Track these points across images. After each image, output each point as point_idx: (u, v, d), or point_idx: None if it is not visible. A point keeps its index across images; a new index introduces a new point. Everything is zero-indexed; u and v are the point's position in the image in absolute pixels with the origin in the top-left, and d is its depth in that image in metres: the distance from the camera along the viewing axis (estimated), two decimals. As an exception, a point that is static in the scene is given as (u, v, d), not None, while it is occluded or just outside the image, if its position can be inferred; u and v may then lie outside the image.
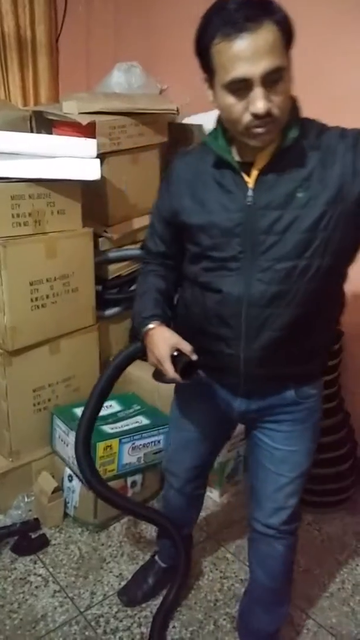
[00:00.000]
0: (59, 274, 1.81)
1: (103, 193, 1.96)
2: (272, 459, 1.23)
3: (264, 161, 1.01)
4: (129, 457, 1.82)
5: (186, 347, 1.13)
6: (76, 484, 1.82)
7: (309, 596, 1.64)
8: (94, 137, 1.79)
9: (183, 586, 1.57)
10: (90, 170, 1.71)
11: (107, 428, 1.82)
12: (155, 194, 2.12)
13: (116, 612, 1.57)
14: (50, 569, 1.70)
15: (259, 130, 0.95)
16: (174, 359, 1.12)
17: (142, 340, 1.20)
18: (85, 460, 1.36)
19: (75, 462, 1.79)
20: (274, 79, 0.90)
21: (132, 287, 2.14)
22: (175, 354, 1.12)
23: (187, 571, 1.60)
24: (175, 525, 1.50)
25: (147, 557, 1.73)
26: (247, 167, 1.03)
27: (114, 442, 1.77)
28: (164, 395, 1.96)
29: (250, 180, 1.03)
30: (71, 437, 1.81)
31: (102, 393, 1.31)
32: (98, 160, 1.72)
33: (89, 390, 1.97)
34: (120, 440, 1.78)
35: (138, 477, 1.88)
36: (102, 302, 2.04)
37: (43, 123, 2.01)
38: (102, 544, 1.80)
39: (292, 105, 0.99)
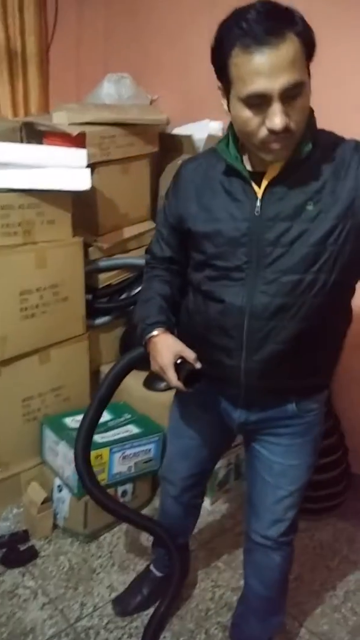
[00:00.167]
0: (49, 284, 1.81)
1: (93, 203, 1.97)
2: (271, 472, 1.22)
3: (275, 172, 1.00)
4: (120, 467, 1.81)
5: (190, 355, 1.11)
6: (66, 494, 1.81)
7: (301, 603, 1.64)
8: (84, 147, 1.81)
9: (176, 597, 1.56)
10: (80, 180, 1.72)
11: (98, 437, 1.82)
12: (145, 203, 2.17)
13: (106, 624, 1.56)
14: (40, 581, 1.68)
15: (275, 145, 0.93)
16: (177, 367, 1.10)
17: (145, 346, 1.19)
18: (84, 465, 1.35)
19: (65, 473, 1.79)
20: (293, 94, 0.89)
21: (123, 296, 2.15)
22: (179, 361, 1.11)
23: (182, 581, 1.59)
24: (170, 534, 1.49)
25: (138, 567, 1.72)
26: (257, 176, 1.01)
27: (104, 452, 1.76)
28: (154, 403, 1.95)
29: (259, 190, 1.01)
30: (61, 447, 1.81)
31: (103, 399, 1.31)
32: (88, 170, 1.73)
33: (79, 400, 1.99)
34: (110, 449, 1.77)
35: (129, 487, 1.88)
36: (92, 311, 2.04)
37: (33, 134, 2.02)
38: (92, 555, 1.79)
39: (308, 117, 0.97)
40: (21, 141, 2.03)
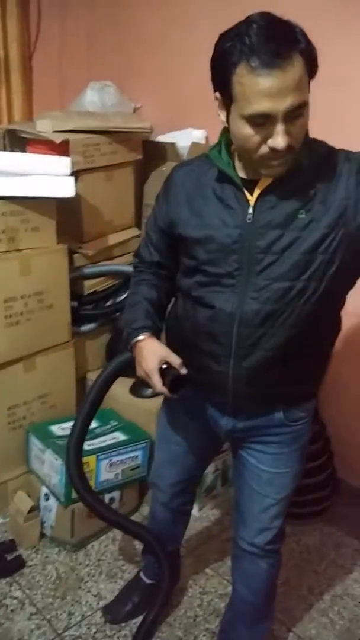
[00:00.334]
0: (34, 291, 1.80)
1: (78, 210, 1.97)
2: (259, 480, 1.22)
3: (268, 181, 1.00)
4: (107, 474, 1.80)
5: (175, 360, 1.11)
6: (53, 502, 1.80)
7: (289, 608, 1.65)
8: (67, 155, 1.81)
9: (165, 605, 1.55)
10: (64, 187, 1.73)
11: (84, 445, 1.80)
12: (130, 210, 2.18)
13: (95, 633, 1.55)
14: (27, 591, 1.67)
15: (274, 162, 0.95)
16: (163, 372, 1.10)
17: (131, 351, 1.19)
18: (77, 470, 1.35)
19: (52, 481, 1.78)
20: (296, 114, 0.90)
21: (109, 303, 2.15)
22: (164, 366, 1.11)
23: (171, 589, 1.59)
24: (160, 542, 1.49)
25: (126, 575, 1.72)
26: (249, 184, 1.02)
27: (91, 459, 1.75)
28: (141, 410, 1.95)
29: (252, 198, 1.02)
30: (47, 455, 1.79)
31: (94, 403, 1.30)
32: (72, 178, 1.74)
33: (65, 408, 1.99)
34: (97, 456, 1.76)
35: (116, 494, 1.87)
36: (77, 318, 2.04)
37: (17, 141, 2.02)
38: (80, 563, 1.77)
39: None
40: (4, 149, 2.03)
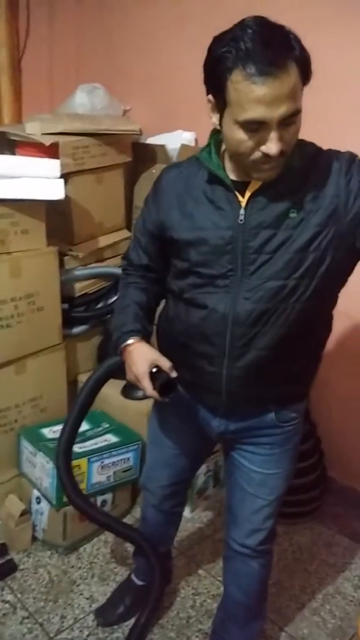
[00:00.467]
0: (24, 293, 1.80)
1: (68, 212, 1.97)
2: (250, 482, 1.23)
3: (259, 182, 1.01)
4: (99, 476, 1.80)
5: (165, 363, 1.11)
6: (44, 505, 1.79)
7: (281, 608, 1.65)
8: (57, 157, 1.81)
9: (157, 607, 1.55)
10: (54, 190, 1.73)
11: (76, 447, 1.78)
12: (120, 212, 2.18)
13: (87, 636, 1.55)
14: (19, 595, 1.66)
15: (266, 166, 0.96)
16: (153, 376, 1.10)
17: (120, 355, 1.19)
18: (67, 474, 1.34)
19: (43, 484, 1.77)
20: (290, 121, 0.91)
21: (100, 305, 2.15)
22: (154, 370, 1.10)
23: (163, 590, 1.59)
24: (151, 544, 1.49)
25: (119, 578, 1.72)
26: (240, 185, 1.03)
27: (83, 462, 1.75)
28: (133, 412, 1.95)
29: (243, 199, 1.02)
30: (39, 458, 1.79)
31: (83, 407, 1.29)
32: (62, 180, 1.74)
33: (57, 410, 1.98)
34: (89, 459, 1.76)
35: (108, 496, 1.87)
36: (69, 321, 2.03)
37: (6, 144, 2.01)
38: (72, 566, 1.77)
39: None
40: (-6, 151, 2.03)
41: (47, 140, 1.83)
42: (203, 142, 2.12)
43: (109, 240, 2.13)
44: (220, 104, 0.94)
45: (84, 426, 1.95)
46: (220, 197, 1.04)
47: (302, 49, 0.91)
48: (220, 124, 0.97)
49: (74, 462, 1.71)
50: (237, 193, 1.03)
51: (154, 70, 2.26)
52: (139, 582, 1.60)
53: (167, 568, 1.64)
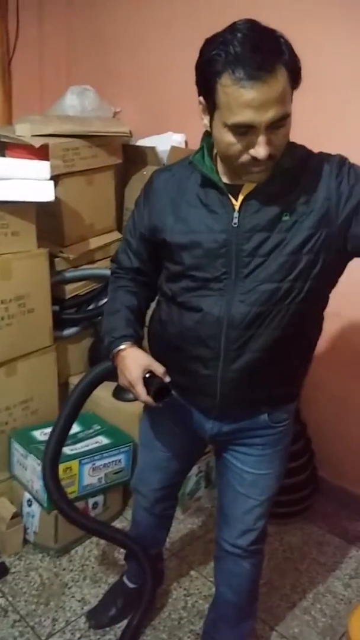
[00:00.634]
0: (14, 295, 1.79)
1: (59, 214, 1.97)
2: (242, 482, 1.23)
3: (252, 185, 1.01)
4: (90, 478, 1.80)
5: (159, 368, 1.11)
6: (36, 508, 1.79)
7: (271, 607, 1.66)
8: (47, 159, 1.80)
9: (149, 609, 1.56)
10: (43, 192, 1.72)
11: (67, 449, 1.80)
12: (111, 214, 2.18)
13: (79, 638, 1.54)
14: (10, 598, 1.65)
15: (256, 169, 0.96)
16: (146, 381, 1.09)
17: (112, 360, 1.18)
18: (53, 482, 1.33)
19: (34, 487, 1.77)
20: (278, 125, 0.92)
21: (91, 307, 2.15)
22: (148, 375, 1.10)
23: (155, 592, 1.59)
24: (142, 546, 1.49)
25: (111, 580, 1.72)
26: (233, 188, 1.03)
27: (74, 464, 1.75)
28: (124, 414, 1.96)
29: (236, 203, 1.03)
30: (30, 461, 1.78)
31: (70, 414, 1.28)
32: (51, 182, 1.73)
33: (48, 413, 1.97)
34: (80, 461, 1.76)
35: (99, 498, 1.87)
36: (59, 322, 2.03)
37: (-5, 145, 2.01)
38: (64, 569, 1.77)
39: None
40: (-17, 153, 2.02)
41: (37, 142, 1.82)
42: (193, 144, 2.14)
43: (100, 242, 2.13)
44: (211, 106, 0.95)
45: (76, 428, 1.95)
46: (213, 201, 1.05)
47: (292, 54, 0.91)
48: (211, 126, 0.98)
49: (66, 464, 1.72)
50: (230, 196, 1.03)
51: (144, 72, 2.26)
52: (130, 585, 1.60)
53: (158, 570, 1.64)
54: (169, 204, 1.10)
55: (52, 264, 1.95)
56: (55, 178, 1.80)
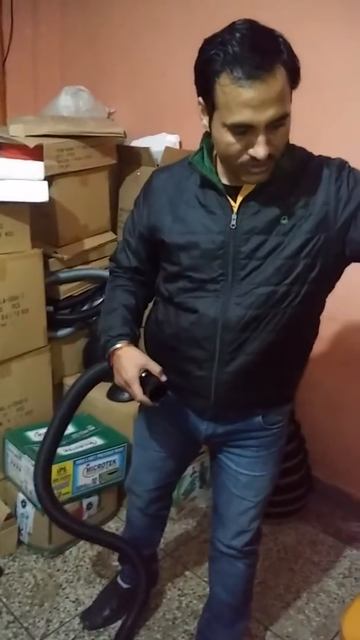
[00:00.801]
0: (8, 296, 1.79)
1: (53, 214, 1.97)
2: (237, 484, 1.23)
3: (251, 186, 1.01)
4: (84, 479, 1.80)
5: (155, 368, 1.10)
6: (30, 509, 1.78)
7: (266, 607, 1.67)
8: (41, 159, 1.80)
9: (143, 610, 1.56)
10: (37, 192, 1.72)
11: (61, 450, 1.80)
12: (105, 214, 2.18)
13: (73, 639, 1.54)
14: (4, 600, 1.65)
15: (255, 169, 0.96)
16: (143, 381, 1.09)
17: (108, 359, 1.17)
18: (45, 490, 1.31)
19: (29, 487, 1.77)
20: (278, 125, 0.91)
21: (85, 307, 2.15)
22: (144, 375, 1.09)
23: (149, 592, 1.59)
24: (136, 549, 1.49)
25: (105, 580, 1.72)
26: (232, 190, 1.03)
27: (68, 465, 1.75)
28: (119, 414, 1.95)
29: (235, 204, 1.02)
30: (24, 461, 1.78)
31: (65, 415, 1.27)
32: (46, 183, 1.73)
33: (42, 413, 1.97)
34: (74, 462, 1.76)
35: (94, 499, 1.86)
36: (54, 323, 2.03)
37: (-11, 145, 2.00)
38: (58, 570, 1.76)
39: None
40: (-23, 153, 2.01)
41: (31, 143, 1.82)
42: (187, 144, 2.14)
43: (94, 243, 2.12)
44: (209, 106, 0.94)
45: (70, 429, 1.94)
46: (212, 202, 1.05)
47: (291, 53, 0.91)
48: (210, 126, 0.97)
49: (60, 465, 1.72)
50: (229, 198, 1.03)
51: (139, 73, 2.26)
52: (125, 585, 1.60)
53: (153, 570, 1.64)
54: (167, 203, 1.10)
55: (46, 265, 1.95)
56: (50, 178, 1.80)
